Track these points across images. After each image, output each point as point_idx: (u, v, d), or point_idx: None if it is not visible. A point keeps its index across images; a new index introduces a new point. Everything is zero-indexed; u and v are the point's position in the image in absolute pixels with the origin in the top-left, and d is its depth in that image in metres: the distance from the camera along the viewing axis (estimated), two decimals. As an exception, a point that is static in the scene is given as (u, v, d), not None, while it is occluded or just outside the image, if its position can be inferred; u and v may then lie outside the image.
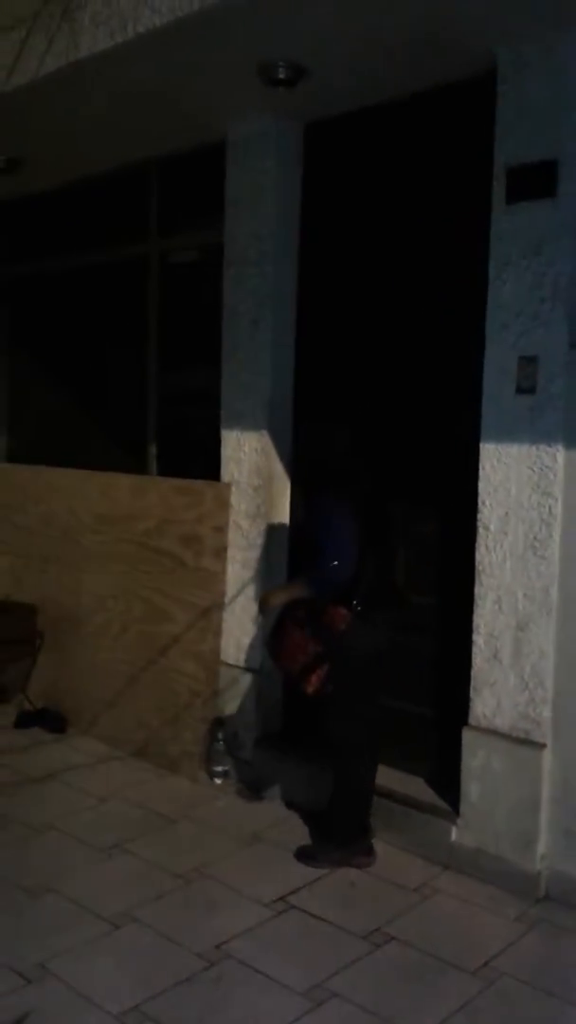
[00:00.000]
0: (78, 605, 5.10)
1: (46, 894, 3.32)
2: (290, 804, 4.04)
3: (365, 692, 3.56)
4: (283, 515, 4.37)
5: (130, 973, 2.87)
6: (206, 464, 4.59)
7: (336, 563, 3.34)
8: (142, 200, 5.06)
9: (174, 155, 4.82)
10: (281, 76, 3.62)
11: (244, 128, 4.26)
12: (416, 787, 3.83)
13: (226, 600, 4.43)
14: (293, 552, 4.31)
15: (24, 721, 5.04)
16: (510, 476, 3.39)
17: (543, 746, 3.35)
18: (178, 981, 2.83)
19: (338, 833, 3.60)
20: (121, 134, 4.57)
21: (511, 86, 3.34)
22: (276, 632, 3.59)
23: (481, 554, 3.48)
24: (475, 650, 3.51)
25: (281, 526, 4.35)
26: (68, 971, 2.86)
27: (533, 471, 3.32)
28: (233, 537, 4.41)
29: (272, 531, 4.32)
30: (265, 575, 4.29)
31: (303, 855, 3.60)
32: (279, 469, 4.33)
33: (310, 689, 3.45)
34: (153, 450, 5.12)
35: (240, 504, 4.38)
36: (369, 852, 3.61)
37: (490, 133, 3.43)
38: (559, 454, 3.27)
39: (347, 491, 3.46)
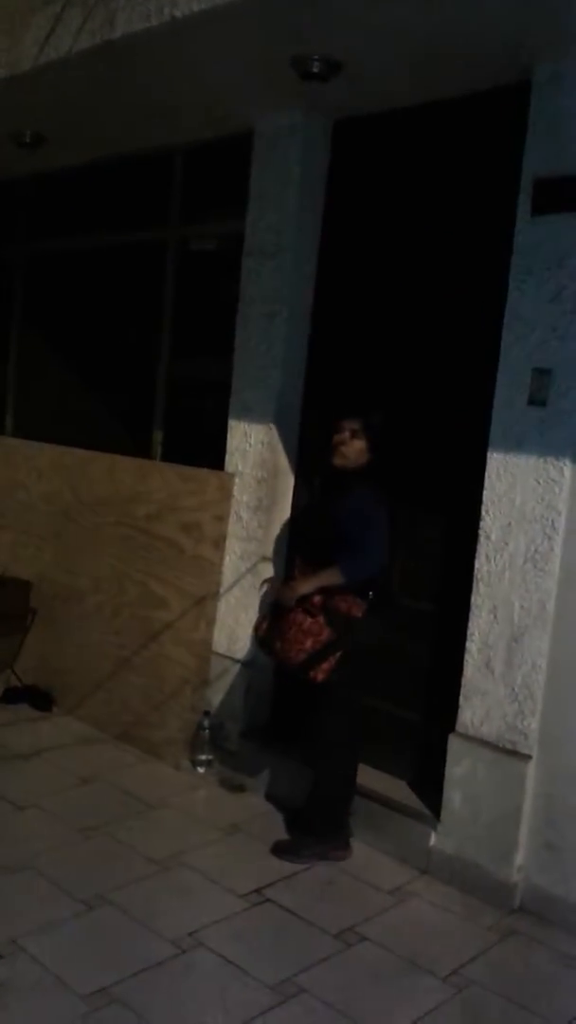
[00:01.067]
0: (73, 585, 5.10)
1: (23, 871, 3.32)
2: (272, 797, 4.05)
3: (362, 684, 3.59)
4: (285, 509, 4.36)
5: (101, 955, 2.88)
6: (211, 453, 4.58)
7: (377, 552, 3.47)
8: (165, 185, 5.04)
9: (200, 142, 4.81)
10: (315, 70, 3.60)
11: (273, 120, 4.25)
12: (399, 790, 3.84)
13: (221, 590, 4.43)
14: (292, 546, 4.30)
15: (11, 697, 5.04)
16: (515, 487, 3.39)
17: (528, 758, 3.35)
18: (148, 966, 2.83)
19: (319, 825, 3.61)
20: (148, 117, 4.56)
21: (545, 99, 3.34)
22: (277, 617, 3.58)
23: (481, 563, 3.48)
24: (467, 658, 3.52)
25: (282, 520, 4.35)
26: (40, 948, 2.86)
27: (539, 483, 3.32)
28: (233, 528, 4.41)
29: (273, 524, 4.32)
30: (262, 568, 4.30)
31: (280, 850, 3.60)
32: (284, 463, 4.33)
33: (321, 676, 3.44)
34: (159, 436, 5.11)
35: (242, 495, 4.38)
36: (346, 846, 3.62)
37: (519, 144, 3.43)
38: (566, 468, 3.26)
39: (383, 486, 3.54)
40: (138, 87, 4.16)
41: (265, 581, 4.26)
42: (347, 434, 3.57)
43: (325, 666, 3.44)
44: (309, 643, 3.44)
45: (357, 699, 3.62)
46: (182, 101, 4.27)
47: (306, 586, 3.49)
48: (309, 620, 3.45)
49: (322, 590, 3.47)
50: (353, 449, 3.57)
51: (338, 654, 3.45)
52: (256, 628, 3.87)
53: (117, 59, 3.86)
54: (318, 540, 3.60)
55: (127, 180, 5.32)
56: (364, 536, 3.44)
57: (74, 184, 5.64)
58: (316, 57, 3.55)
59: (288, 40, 3.47)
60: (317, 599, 3.47)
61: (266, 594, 4.25)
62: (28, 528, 5.44)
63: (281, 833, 3.73)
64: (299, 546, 3.89)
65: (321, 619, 3.45)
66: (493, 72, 3.50)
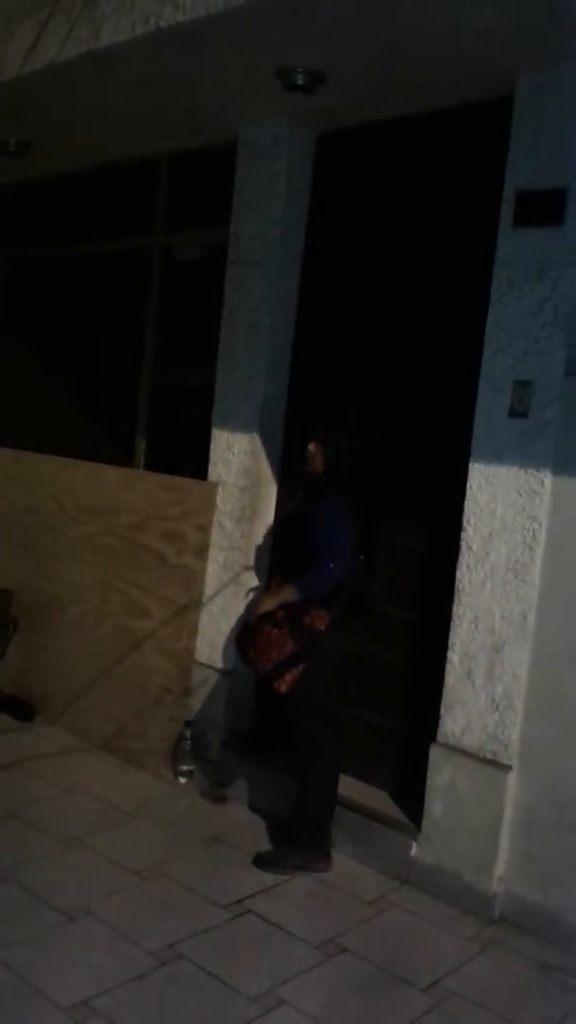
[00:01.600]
0: (55, 594, 5.07)
1: (3, 882, 3.30)
2: (253, 807, 4.04)
3: (331, 694, 3.62)
4: (267, 518, 4.36)
5: (82, 967, 2.86)
6: (194, 462, 4.58)
7: (333, 566, 3.45)
8: (149, 193, 5.05)
9: (185, 151, 4.82)
10: (299, 82, 3.62)
11: (257, 131, 4.27)
12: (380, 800, 3.84)
13: (204, 599, 4.43)
14: (275, 555, 4.31)
15: (-8, 706, 5.01)
16: (496, 497, 3.40)
17: (509, 768, 3.36)
18: (129, 978, 2.82)
19: (300, 836, 3.61)
20: (133, 126, 4.57)
21: (528, 111, 3.37)
22: (246, 629, 3.62)
23: (462, 573, 3.50)
24: (449, 668, 3.52)
25: (265, 529, 4.35)
26: (20, 961, 2.84)
27: (520, 494, 3.34)
28: (216, 537, 4.40)
29: (255, 534, 4.32)
30: (244, 577, 4.30)
31: (263, 861, 3.59)
32: (267, 472, 4.33)
33: (283, 688, 3.47)
34: (142, 444, 5.11)
35: (225, 505, 4.38)
36: (327, 857, 3.62)
37: (501, 156, 3.45)
38: (547, 479, 3.29)
39: (347, 495, 3.54)
40: (123, 96, 4.16)
41: (251, 590, 4.26)
42: (312, 444, 3.65)
43: (288, 678, 3.46)
44: (274, 654, 3.47)
45: (326, 711, 3.62)
46: (167, 110, 4.28)
47: (269, 602, 3.55)
48: (276, 632, 3.49)
49: (286, 603, 3.49)
50: (316, 461, 3.64)
51: (301, 666, 3.46)
52: (236, 637, 3.89)
53: (102, 69, 3.86)
54: (293, 551, 3.65)
55: (112, 188, 5.33)
56: (324, 547, 3.47)
57: (59, 192, 5.63)
58: (300, 69, 3.58)
59: (272, 52, 3.48)
60: (281, 612, 3.50)
61: (250, 603, 4.25)
62: (10, 537, 5.41)
63: (263, 844, 3.73)
64: (281, 553, 3.90)
65: (286, 631, 3.48)
66: (475, 85, 3.53)
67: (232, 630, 4.25)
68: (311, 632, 3.48)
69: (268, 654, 3.49)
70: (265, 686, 3.58)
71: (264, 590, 3.86)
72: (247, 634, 3.62)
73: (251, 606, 3.78)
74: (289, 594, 3.50)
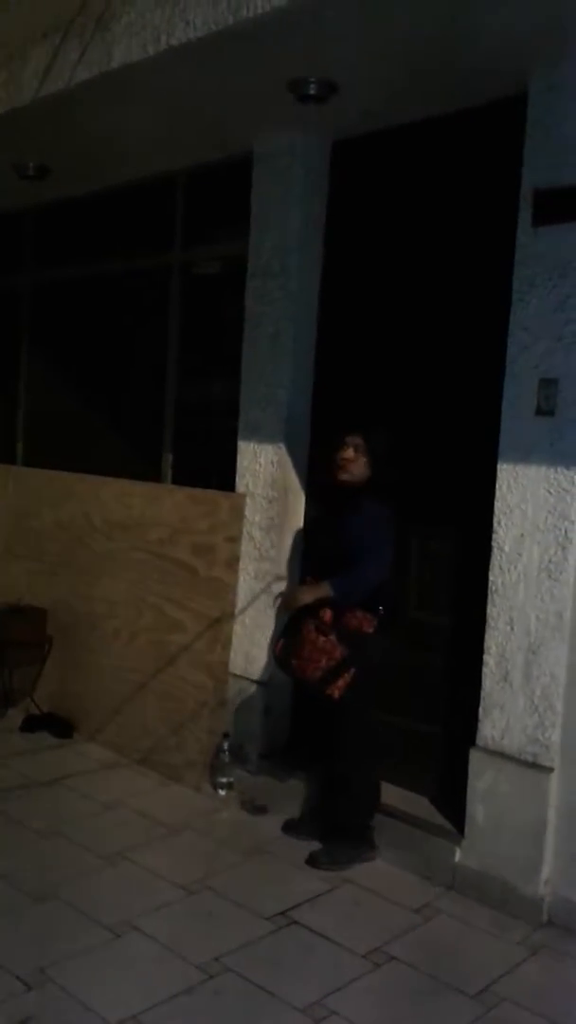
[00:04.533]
0: (89, 611, 5.11)
1: (49, 900, 3.31)
2: (293, 818, 4.03)
3: (376, 696, 3.65)
4: (296, 528, 4.37)
5: (130, 982, 2.86)
6: (221, 475, 4.60)
7: (371, 569, 3.48)
8: (168, 210, 5.09)
9: (201, 166, 4.85)
10: (312, 92, 3.63)
11: (272, 142, 4.29)
12: (421, 806, 3.82)
13: (236, 611, 4.43)
14: (305, 565, 4.30)
15: (31, 725, 5.04)
16: (526, 497, 3.38)
17: (551, 770, 3.33)
18: (177, 992, 2.81)
19: (351, 832, 3.65)
20: (149, 144, 4.60)
21: (541, 110, 3.36)
22: (292, 636, 3.62)
23: (495, 575, 3.47)
24: (485, 671, 3.50)
25: (294, 538, 4.35)
26: (68, 978, 2.85)
27: (550, 493, 3.32)
28: (246, 548, 4.41)
29: (285, 543, 4.32)
30: (276, 588, 4.30)
31: (316, 861, 3.63)
32: (294, 482, 4.34)
33: (337, 693, 3.49)
34: (169, 459, 5.13)
35: (254, 515, 4.38)
36: (374, 847, 3.69)
37: (518, 156, 3.45)
38: (577, 477, 3.26)
39: (389, 499, 3.56)
40: (138, 115, 4.20)
41: (278, 596, 4.27)
42: (351, 450, 3.60)
43: (340, 683, 3.49)
44: (324, 661, 3.49)
45: (372, 711, 3.67)
46: (182, 127, 4.31)
47: (306, 596, 3.57)
48: (322, 638, 3.50)
49: (334, 607, 3.50)
50: (357, 464, 3.59)
51: (352, 670, 3.48)
52: (274, 647, 3.89)
53: (116, 89, 3.90)
54: (331, 556, 3.63)
55: (130, 206, 5.37)
56: (365, 551, 3.49)
57: (78, 213, 5.69)
58: (312, 79, 3.59)
59: (283, 64, 3.50)
60: (328, 616, 3.52)
61: (279, 610, 4.25)
62: (42, 556, 5.45)
63: (306, 852, 3.70)
64: (312, 562, 3.90)
65: (333, 637, 3.49)
66: (489, 86, 3.53)
67: (272, 638, 4.26)
68: (360, 636, 3.52)
69: (317, 661, 3.50)
70: (314, 693, 3.58)
71: (299, 583, 3.86)
72: (289, 644, 3.62)
73: (285, 598, 3.81)
74: (325, 591, 3.51)
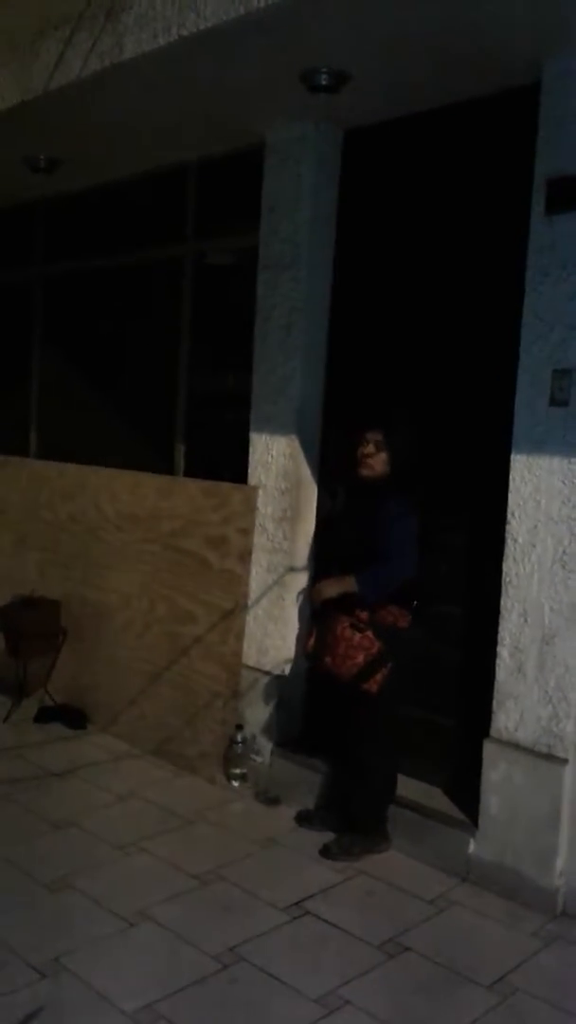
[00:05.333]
0: (102, 603, 5.12)
1: (64, 890, 3.33)
2: (307, 809, 4.03)
3: (404, 691, 3.68)
4: (309, 519, 4.36)
5: (144, 972, 2.88)
6: (234, 467, 4.60)
7: (398, 567, 3.50)
8: (179, 202, 5.08)
9: (212, 158, 4.84)
10: (323, 82, 3.62)
11: (283, 133, 4.27)
12: (435, 798, 3.82)
13: (249, 603, 4.43)
14: (319, 556, 4.30)
15: (45, 716, 5.07)
16: (540, 488, 3.37)
17: (565, 761, 3.32)
18: (192, 982, 2.83)
19: (367, 824, 3.67)
20: (160, 136, 4.59)
21: (554, 97, 3.33)
22: (323, 632, 3.64)
23: (509, 566, 3.46)
24: (499, 662, 3.49)
25: (307, 530, 4.35)
26: (83, 967, 2.86)
27: (564, 484, 3.30)
28: (259, 540, 4.41)
29: (298, 535, 4.32)
30: (288, 579, 4.30)
31: (330, 852, 3.64)
32: (307, 474, 4.33)
33: (375, 688, 3.52)
34: (181, 450, 5.13)
35: (267, 507, 4.38)
36: (388, 838, 3.71)
37: (530, 144, 3.42)
38: (591, 468, 3.25)
39: (413, 495, 3.57)
40: (149, 107, 4.19)
41: (300, 592, 4.27)
42: (371, 446, 3.61)
43: (378, 678, 3.52)
44: (361, 657, 3.52)
45: (399, 706, 3.70)
46: (193, 118, 4.30)
47: (331, 588, 3.60)
48: (358, 636, 3.52)
49: (360, 603, 3.52)
50: (379, 460, 3.60)
51: (389, 665, 3.52)
52: (304, 643, 3.92)
53: (127, 80, 3.89)
54: (353, 551, 3.63)
55: (142, 198, 5.36)
56: (391, 546, 3.50)
57: (89, 205, 5.69)
58: (324, 69, 3.58)
59: (295, 53, 3.49)
60: (364, 615, 3.54)
61: (303, 606, 4.26)
62: (55, 548, 5.47)
63: (319, 843, 3.71)
64: (333, 557, 3.89)
65: (370, 633, 3.52)
66: (501, 74, 3.51)
67: (299, 635, 4.27)
68: (395, 631, 3.56)
69: (354, 658, 3.52)
70: (347, 690, 3.58)
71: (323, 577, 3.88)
72: (321, 641, 3.64)
73: (311, 592, 3.86)
74: (351, 585, 3.53)
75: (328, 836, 3.73)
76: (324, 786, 4.02)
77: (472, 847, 3.54)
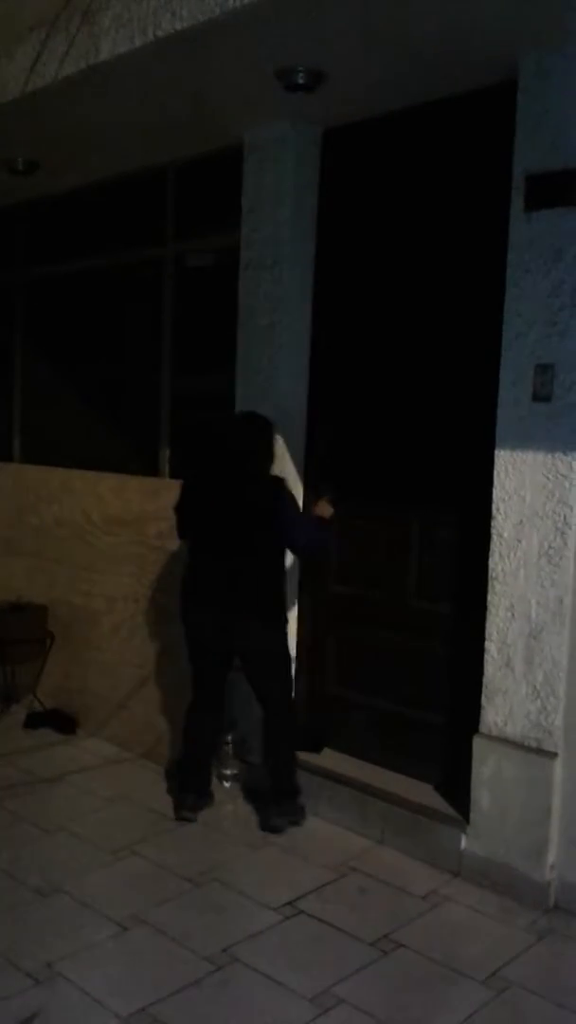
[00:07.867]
0: (89, 606, 5.11)
1: (55, 894, 3.32)
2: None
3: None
4: (295, 519, 4.35)
5: (138, 975, 2.88)
6: (219, 467, 4.58)
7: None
8: (159, 203, 5.06)
9: (191, 159, 4.83)
10: (300, 82, 3.61)
11: (262, 133, 4.27)
12: (425, 794, 3.83)
13: (237, 603, 4.42)
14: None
15: (34, 721, 5.05)
16: (525, 483, 3.38)
17: (555, 755, 3.34)
18: (186, 984, 2.82)
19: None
20: (139, 137, 4.58)
21: (532, 94, 3.34)
22: None
23: (494, 561, 3.47)
24: (487, 658, 3.50)
25: (293, 530, 4.34)
26: (76, 972, 2.86)
27: (548, 479, 3.31)
28: (245, 541, 4.40)
29: (284, 535, 4.31)
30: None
31: (287, 822, 3.86)
32: (292, 472, 4.32)
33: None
34: (166, 453, 5.12)
35: (253, 508, 4.37)
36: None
37: (509, 141, 3.43)
38: (575, 463, 3.25)
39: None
40: (127, 108, 4.18)
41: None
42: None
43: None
44: None
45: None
46: (171, 119, 4.28)
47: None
48: None
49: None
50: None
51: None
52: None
53: (104, 82, 3.88)
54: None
55: (121, 200, 5.34)
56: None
57: (69, 207, 5.66)
58: (300, 69, 3.57)
59: (271, 53, 3.48)
60: None
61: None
62: (42, 552, 5.45)
63: (312, 843, 3.72)
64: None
65: None
66: (479, 71, 3.51)
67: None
68: None
69: None
70: None
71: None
72: None
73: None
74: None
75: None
76: (312, 786, 4.02)
77: (464, 843, 3.54)
